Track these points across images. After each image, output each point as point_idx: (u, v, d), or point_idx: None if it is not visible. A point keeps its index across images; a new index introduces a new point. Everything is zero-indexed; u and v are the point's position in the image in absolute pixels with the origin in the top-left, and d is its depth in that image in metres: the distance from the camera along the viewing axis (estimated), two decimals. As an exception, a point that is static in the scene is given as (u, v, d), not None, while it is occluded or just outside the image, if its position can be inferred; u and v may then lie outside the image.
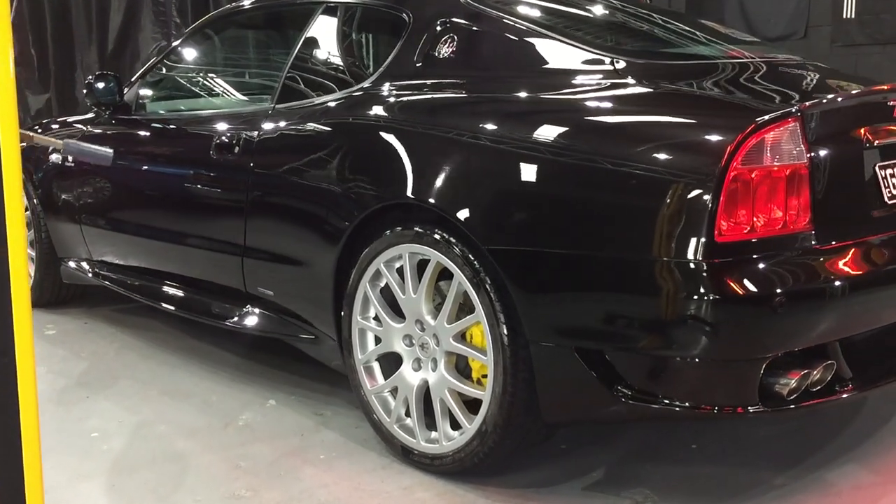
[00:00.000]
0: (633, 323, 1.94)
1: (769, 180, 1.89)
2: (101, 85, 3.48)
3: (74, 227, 3.70)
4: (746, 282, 1.86)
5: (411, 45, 2.57)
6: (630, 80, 2.18)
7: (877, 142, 2.10)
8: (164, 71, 3.59)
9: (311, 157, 2.62)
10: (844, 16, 6.40)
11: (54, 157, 3.77)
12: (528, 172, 2.07)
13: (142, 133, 3.44)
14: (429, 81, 2.48)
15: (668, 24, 2.80)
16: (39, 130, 4.07)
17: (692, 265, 1.84)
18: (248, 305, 2.94)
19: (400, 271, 2.37)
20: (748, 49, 2.62)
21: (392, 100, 2.51)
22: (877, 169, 2.13)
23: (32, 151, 3.93)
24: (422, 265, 2.32)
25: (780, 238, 1.92)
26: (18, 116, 5.36)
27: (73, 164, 3.66)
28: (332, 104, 2.67)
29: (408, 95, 2.49)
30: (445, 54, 2.49)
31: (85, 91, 3.48)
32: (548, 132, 2.08)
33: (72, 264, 3.82)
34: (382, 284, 2.43)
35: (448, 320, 2.25)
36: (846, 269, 1.99)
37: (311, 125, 2.67)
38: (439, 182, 2.23)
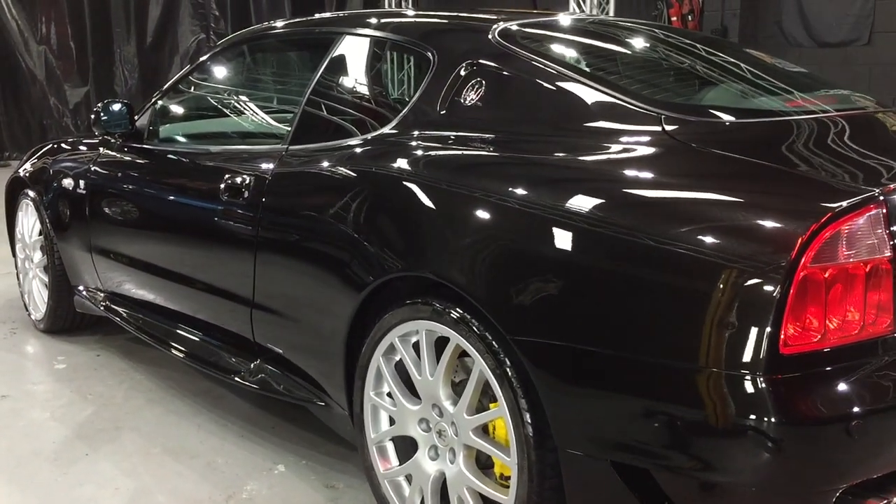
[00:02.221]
0: (680, 440, 1.66)
1: (845, 277, 1.60)
2: (112, 109, 3.27)
3: (85, 254, 3.52)
4: (816, 402, 1.57)
5: (435, 88, 2.30)
6: (681, 144, 1.89)
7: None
8: (177, 98, 3.37)
9: (323, 210, 2.37)
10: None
11: (66, 182, 3.59)
12: (560, 255, 1.79)
13: (153, 165, 3.23)
14: (452, 134, 2.21)
15: (715, 57, 2.50)
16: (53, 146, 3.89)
17: (753, 380, 1.56)
18: (257, 361, 2.72)
19: (416, 346, 2.12)
20: (815, 97, 2.31)
21: (408, 153, 2.25)
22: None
23: (42, 173, 3.76)
24: (440, 341, 2.07)
25: (857, 345, 1.62)
26: (58, 109, 5.20)
27: (83, 191, 3.48)
28: (346, 151, 2.41)
29: (427, 149, 2.22)
30: (472, 102, 2.21)
31: (92, 118, 3.27)
32: (583, 207, 1.79)
33: (84, 294, 3.64)
34: (397, 359, 2.18)
35: (468, 411, 2.00)
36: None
37: (324, 173, 2.43)
38: (460, 256, 1.96)
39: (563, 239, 1.80)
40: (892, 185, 1.67)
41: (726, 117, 2.02)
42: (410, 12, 2.92)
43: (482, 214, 1.96)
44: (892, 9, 6.19)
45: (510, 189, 1.93)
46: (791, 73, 2.63)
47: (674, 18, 8.11)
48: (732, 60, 2.51)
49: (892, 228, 1.64)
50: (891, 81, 6.07)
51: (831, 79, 2.72)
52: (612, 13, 7.87)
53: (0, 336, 3.94)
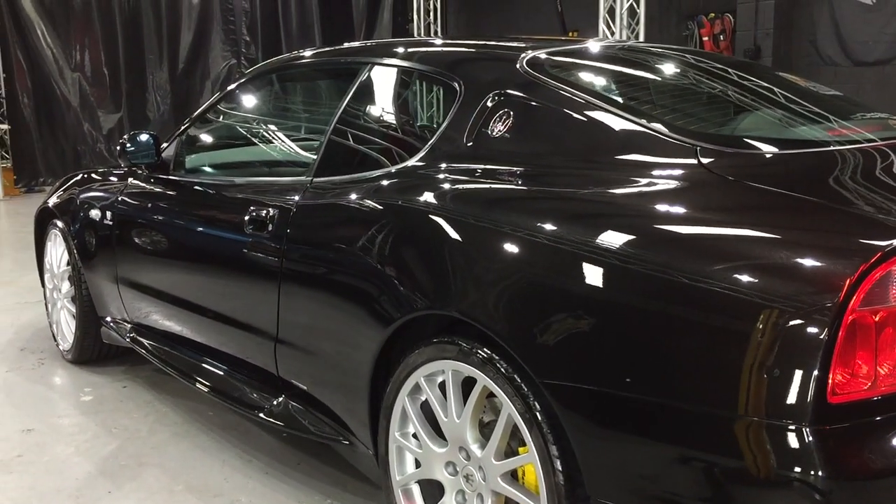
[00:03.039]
0: (718, 492, 1.57)
1: (895, 321, 1.50)
2: (138, 140, 3.26)
3: (112, 285, 3.50)
4: (866, 454, 1.48)
5: (462, 119, 2.24)
6: (719, 178, 1.80)
7: None
8: (203, 129, 3.35)
9: (348, 243, 2.31)
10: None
11: (93, 213, 3.58)
12: (592, 293, 1.71)
13: (178, 196, 3.20)
14: (480, 167, 2.14)
15: (750, 83, 2.42)
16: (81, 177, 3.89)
17: (798, 431, 1.46)
18: (282, 397, 2.66)
19: (442, 386, 2.05)
20: (855, 124, 2.21)
21: (435, 186, 2.18)
22: None
23: (70, 203, 3.76)
24: (468, 382, 1.99)
25: (908, 392, 1.53)
26: (92, 135, 5.21)
27: (110, 221, 3.46)
28: (372, 183, 2.36)
29: (453, 182, 2.16)
30: (499, 133, 2.15)
31: (118, 150, 3.25)
32: (616, 244, 1.71)
33: (111, 325, 3.62)
34: (423, 399, 2.11)
35: (496, 455, 1.92)
36: None
37: (349, 206, 2.37)
38: (486, 294, 1.89)
39: (594, 277, 1.72)
40: (945, 222, 1.58)
41: (766, 149, 1.94)
42: (438, 41, 2.86)
43: (510, 250, 1.89)
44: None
45: (539, 224, 1.86)
46: (826, 96, 2.55)
47: (705, 38, 8.02)
48: (767, 85, 2.43)
49: (945, 265, 1.54)
50: (931, 101, 5.92)
51: (868, 99, 2.64)
52: (642, 34, 7.79)
53: (28, 367, 3.93)
